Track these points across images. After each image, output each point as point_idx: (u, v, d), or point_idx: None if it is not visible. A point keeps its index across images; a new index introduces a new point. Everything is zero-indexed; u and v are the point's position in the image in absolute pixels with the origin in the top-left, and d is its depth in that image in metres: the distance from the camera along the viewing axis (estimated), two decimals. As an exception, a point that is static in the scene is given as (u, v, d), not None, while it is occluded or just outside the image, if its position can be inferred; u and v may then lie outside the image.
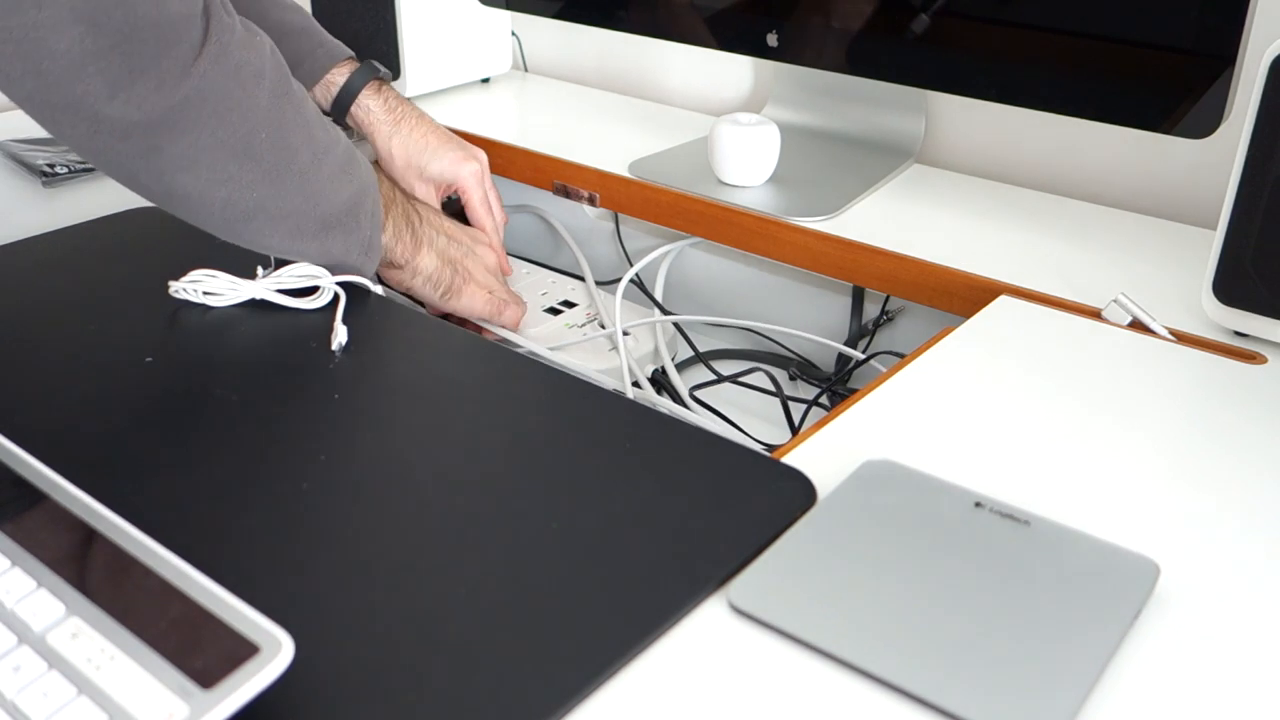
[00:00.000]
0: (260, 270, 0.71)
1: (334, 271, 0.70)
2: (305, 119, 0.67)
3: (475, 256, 0.83)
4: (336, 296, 0.70)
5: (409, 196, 0.80)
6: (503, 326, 0.83)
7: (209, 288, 0.70)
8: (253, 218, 0.66)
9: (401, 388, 0.61)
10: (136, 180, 0.63)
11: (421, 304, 0.82)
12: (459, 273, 0.80)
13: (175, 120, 0.60)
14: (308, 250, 0.69)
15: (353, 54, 0.88)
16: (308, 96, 0.69)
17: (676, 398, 0.83)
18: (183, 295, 0.70)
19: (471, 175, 0.89)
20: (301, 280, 0.70)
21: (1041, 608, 0.45)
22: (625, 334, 0.86)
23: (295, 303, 0.70)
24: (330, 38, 0.87)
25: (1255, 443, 0.58)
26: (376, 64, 0.88)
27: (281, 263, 0.71)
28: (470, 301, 0.81)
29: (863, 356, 0.85)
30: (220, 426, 0.57)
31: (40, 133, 1.02)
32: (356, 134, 0.89)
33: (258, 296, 0.70)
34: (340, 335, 0.66)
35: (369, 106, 0.87)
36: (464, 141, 0.90)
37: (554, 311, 0.92)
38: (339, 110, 0.87)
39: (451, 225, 0.83)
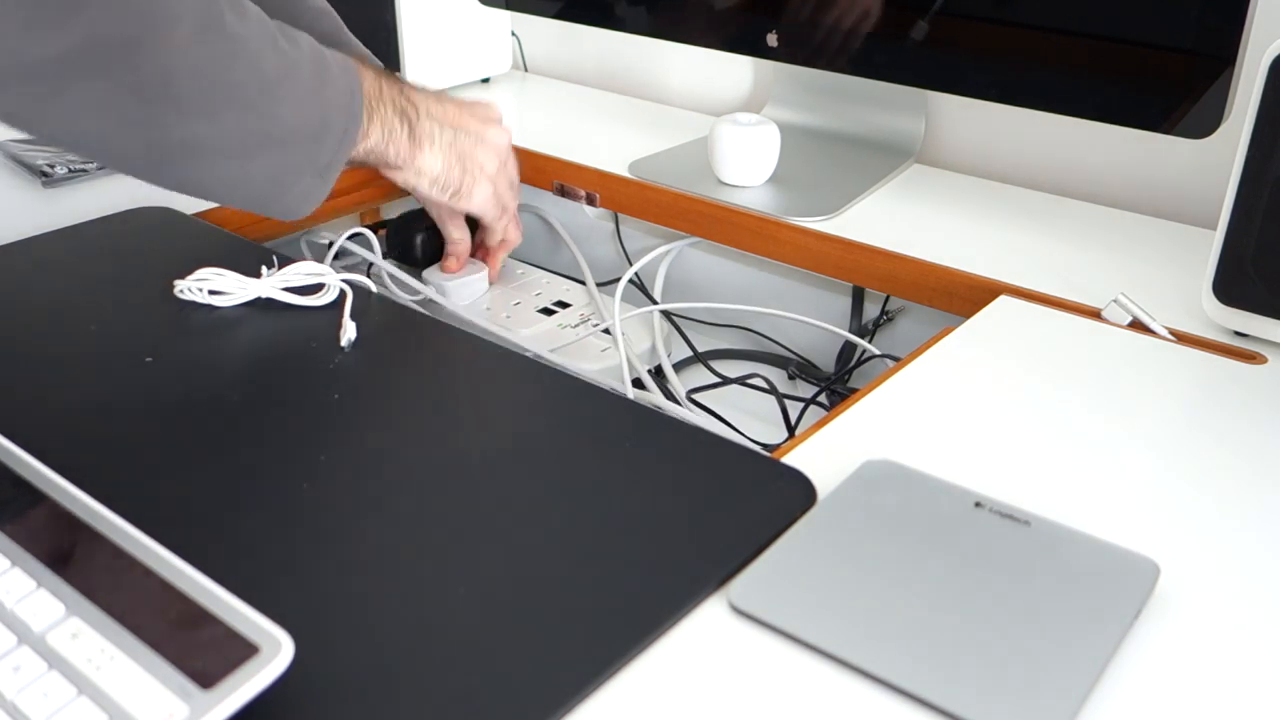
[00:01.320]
0: (264, 270, 0.71)
1: (273, 198, 0.67)
2: (249, 51, 0.63)
3: (486, 144, 0.78)
4: (342, 294, 0.70)
5: (405, 86, 0.75)
6: (501, 244, 0.83)
7: (216, 286, 0.70)
8: (181, 158, 0.62)
9: (402, 388, 0.61)
10: (45, 126, 0.60)
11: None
12: (469, 170, 0.76)
13: (76, 64, 0.57)
14: (252, 175, 0.65)
15: (380, 65, 0.86)
16: (262, 23, 0.65)
17: (673, 397, 0.83)
18: (188, 295, 0.70)
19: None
20: (309, 278, 0.70)
21: (1041, 608, 0.45)
22: (620, 333, 0.86)
23: (301, 300, 0.70)
24: (360, 46, 0.86)
25: (1255, 443, 0.58)
26: (401, 76, 0.86)
27: (285, 261, 0.71)
28: (483, 201, 0.78)
29: (868, 345, 0.85)
30: (220, 426, 0.57)
31: (40, 133, 1.01)
32: None
33: (264, 295, 0.70)
34: (350, 331, 0.66)
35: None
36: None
37: (548, 312, 0.92)
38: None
39: (456, 111, 0.77)
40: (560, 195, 1.00)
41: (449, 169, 0.75)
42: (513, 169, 0.83)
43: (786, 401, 0.81)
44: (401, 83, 0.75)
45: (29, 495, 0.47)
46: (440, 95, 0.78)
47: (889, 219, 0.86)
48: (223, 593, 0.41)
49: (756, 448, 0.62)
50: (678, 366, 0.90)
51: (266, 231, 0.92)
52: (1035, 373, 0.64)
